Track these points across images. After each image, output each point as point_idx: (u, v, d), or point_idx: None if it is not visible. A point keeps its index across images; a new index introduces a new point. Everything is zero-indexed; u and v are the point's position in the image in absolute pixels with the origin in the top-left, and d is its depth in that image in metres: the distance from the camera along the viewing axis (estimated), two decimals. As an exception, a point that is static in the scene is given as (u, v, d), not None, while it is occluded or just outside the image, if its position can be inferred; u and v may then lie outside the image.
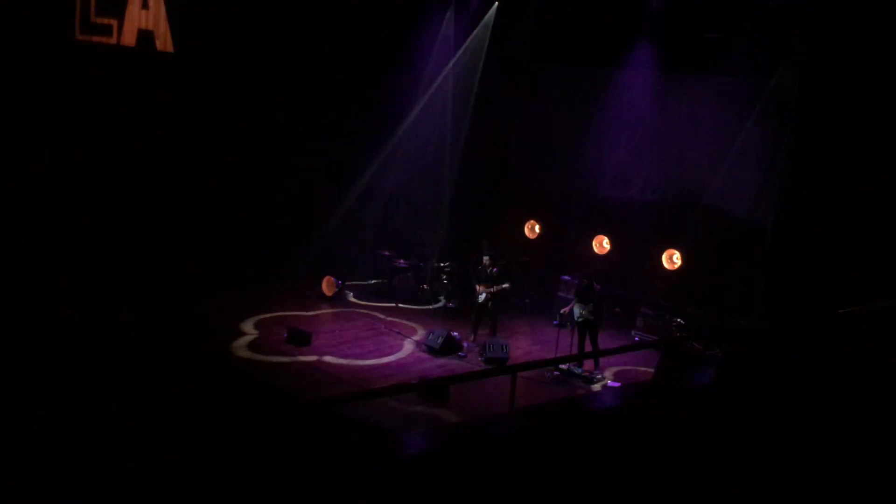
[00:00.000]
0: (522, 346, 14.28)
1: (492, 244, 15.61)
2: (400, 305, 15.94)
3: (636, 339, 14.89)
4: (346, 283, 16.34)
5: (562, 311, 13.60)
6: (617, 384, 12.62)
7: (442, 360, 13.20)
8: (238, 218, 16.44)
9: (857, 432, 6.76)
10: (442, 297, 16.53)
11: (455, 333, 13.87)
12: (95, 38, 14.67)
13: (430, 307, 16.25)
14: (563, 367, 12.87)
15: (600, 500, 5.93)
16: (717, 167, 15.00)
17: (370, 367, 12.64)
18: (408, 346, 13.79)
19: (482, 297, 14.16)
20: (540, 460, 5.94)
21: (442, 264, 16.73)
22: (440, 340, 13.45)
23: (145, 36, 15.04)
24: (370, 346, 13.60)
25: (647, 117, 15.90)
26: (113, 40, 14.80)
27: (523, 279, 16.64)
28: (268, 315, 14.56)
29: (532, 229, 17.73)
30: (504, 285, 14.18)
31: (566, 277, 15.83)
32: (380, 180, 17.74)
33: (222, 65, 15.66)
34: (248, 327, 13.92)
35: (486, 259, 14.33)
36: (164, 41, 15.17)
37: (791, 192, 13.83)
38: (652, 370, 12.48)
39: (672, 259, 15.24)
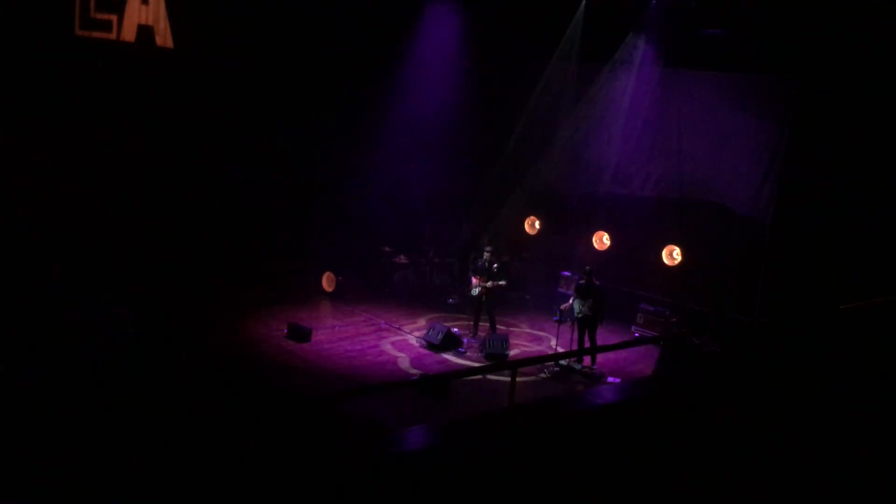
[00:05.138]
0: (522, 341, 14.28)
1: (492, 240, 15.61)
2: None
3: (636, 335, 14.88)
4: (346, 278, 16.33)
5: (561, 307, 13.59)
6: (617, 380, 12.62)
7: (442, 356, 13.20)
8: (237, 213, 16.43)
9: (857, 429, 6.75)
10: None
11: (455, 329, 13.87)
12: (95, 34, 14.64)
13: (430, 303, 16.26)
14: (562, 362, 12.88)
15: (599, 498, 5.93)
16: (717, 163, 14.98)
17: (370, 364, 12.64)
18: (408, 342, 13.79)
19: (476, 290, 14.13)
20: (539, 457, 5.94)
21: (440, 259, 16.72)
22: (440, 336, 13.45)
23: (145, 31, 15.00)
24: (370, 342, 13.59)
25: (647, 113, 15.87)
26: (113, 36, 14.77)
27: (523, 275, 16.62)
28: (268, 312, 14.56)
29: (532, 225, 17.70)
30: (500, 282, 14.14)
31: (566, 273, 15.84)
32: (379, 177, 17.70)
33: (222, 60, 15.63)
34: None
35: (486, 254, 14.33)
36: (163, 37, 15.13)
37: (791, 187, 13.82)
38: (652, 366, 12.50)
39: (672, 255, 15.22)
